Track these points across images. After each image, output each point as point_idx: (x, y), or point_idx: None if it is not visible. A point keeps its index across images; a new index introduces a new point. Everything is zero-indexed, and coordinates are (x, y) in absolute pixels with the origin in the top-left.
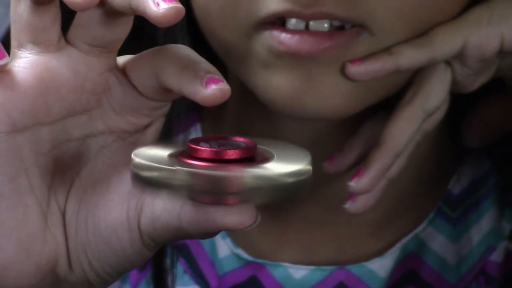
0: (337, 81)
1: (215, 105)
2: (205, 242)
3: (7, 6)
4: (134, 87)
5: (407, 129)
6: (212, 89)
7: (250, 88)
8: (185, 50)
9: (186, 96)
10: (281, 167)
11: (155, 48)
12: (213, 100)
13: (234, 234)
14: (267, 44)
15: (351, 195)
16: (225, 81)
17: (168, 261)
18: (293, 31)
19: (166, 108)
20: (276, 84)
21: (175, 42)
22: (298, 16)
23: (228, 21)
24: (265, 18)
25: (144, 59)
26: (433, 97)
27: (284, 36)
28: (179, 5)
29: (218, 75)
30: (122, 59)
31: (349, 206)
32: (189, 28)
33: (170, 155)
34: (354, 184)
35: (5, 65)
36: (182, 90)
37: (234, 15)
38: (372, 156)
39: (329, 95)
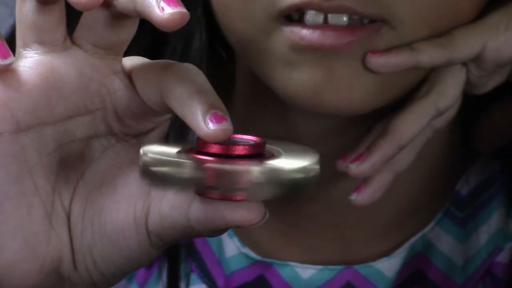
0: (357, 75)
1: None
2: (212, 242)
3: (10, 6)
4: (138, 93)
5: (415, 123)
6: (215, 128)
7: (267, 83)
8: (195, 75)
9: (186, 123)
10: (289, 163)
11: (166, 62)
12: (214, 139)
13: (242, 233)
14: (288, 40)
15: (358, 187)
16: (229, 119)
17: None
18: (313, 26)
19: (169, 115)
20: (296, 79)
21: (192, 35)
22: (317, 8)
23: (247, 14)
24: (284, 10)
25: (152, 72)
26: (446, 96)
27: (305, 32)
28: (184, 10)
29: (223, 111)
30: (129, 62)
31: (355, 197)
32: (206, 21)
33: (179, 151)
34: (354, 167)
35: (10, 64)
36: (183, 118)
37: (252, 9)
38: (376, 143)
39: (349, 88)
